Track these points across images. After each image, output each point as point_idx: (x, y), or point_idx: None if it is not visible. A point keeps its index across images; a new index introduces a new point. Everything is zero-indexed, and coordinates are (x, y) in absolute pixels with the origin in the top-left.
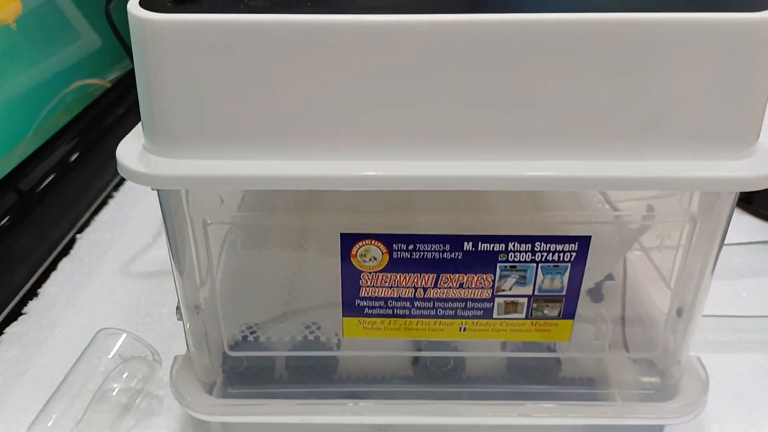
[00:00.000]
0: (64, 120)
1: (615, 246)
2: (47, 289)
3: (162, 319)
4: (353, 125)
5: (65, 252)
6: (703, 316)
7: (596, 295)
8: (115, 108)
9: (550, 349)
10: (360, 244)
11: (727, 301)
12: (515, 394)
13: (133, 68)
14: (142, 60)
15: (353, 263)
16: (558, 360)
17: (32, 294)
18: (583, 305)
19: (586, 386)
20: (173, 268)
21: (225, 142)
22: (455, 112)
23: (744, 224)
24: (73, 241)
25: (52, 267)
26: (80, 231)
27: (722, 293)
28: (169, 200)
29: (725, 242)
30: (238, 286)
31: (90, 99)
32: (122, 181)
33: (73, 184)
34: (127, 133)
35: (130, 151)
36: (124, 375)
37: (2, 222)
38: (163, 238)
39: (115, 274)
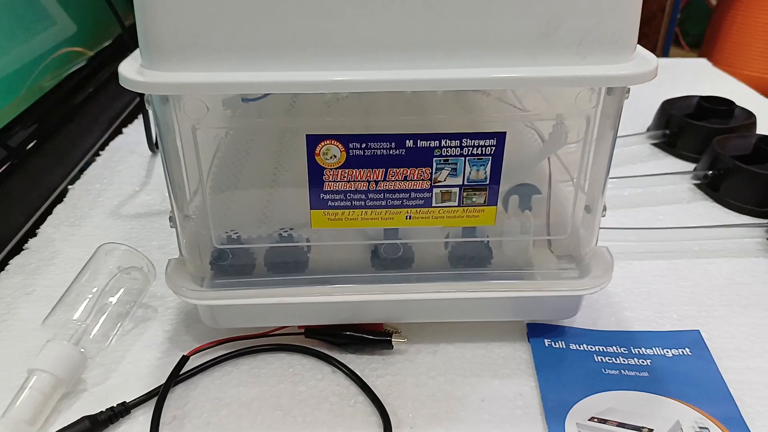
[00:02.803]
0: (52, 84)
1: (530, 149)
2: (45, 229)
3: (151, 249)
4: (306, 38)
5: (59, 200)
6: (626, 228)
7: (525, 204)
8: (97, 75)
9: (484, 242)
10: (322, 144)
11: (647, 223)
12: (455, 276)
13: (111, 42)
14: None
15: (317, 161)
16: (490, 249)
17: (31, 234)
18: (515, 212)
19: (514, 270)
20: (166, 178)
21: (203, 58)
22: (398, 31)
23: (667, 163)
24: (65, 191)
25: (48, 212)
26: (71, 183)
27: (643, 217)
28: (162, 110)
29: (647, 174)
30: (224, 196)
31: (73, 65)
32: (108, 141)
33: (62, 141)
34: (109, 99)
35: (129, 67)
36: (121, 290)
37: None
38: (149, 187)
39: (107, 216)
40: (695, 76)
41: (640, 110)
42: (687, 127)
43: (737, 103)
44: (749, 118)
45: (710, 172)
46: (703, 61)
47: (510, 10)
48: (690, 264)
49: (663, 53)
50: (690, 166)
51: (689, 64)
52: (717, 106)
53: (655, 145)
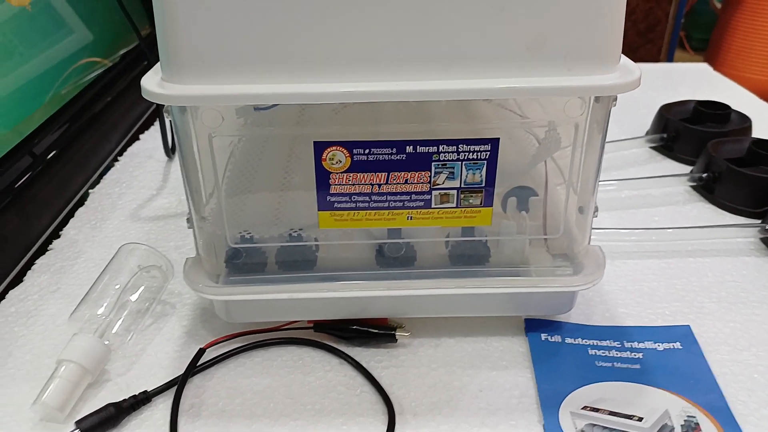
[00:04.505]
0: (72, 93)
1: (527, 154)
2: (68, 231)
3: (169, 250)
4: (309, 52)
5: (81, 203)
6: (622, 229)
7: (523, 206)
8: (115, 84)
9: (482, 241)
10: (329, 150)
11: (643, 224)
12: (455, 273)
13: (128, 52)
14: (160, 8)
15: (324, 166)
16: (488, 248)
17: (55, 235)
18: (513, 213)
19: (511, 267)
20: (184, 182)
21: (219, 72)
22: (399, 46)
23: (664, 166)
24: (86, 195)
25: (70, 215)
26: (92, 187)
27: (639, 218)
28: (181, 119)
29: (644, 177)
30: (238, 200)
31: (94, 74)
32: (126, 147)
33: (83, 148)
34: (127, 107)
35: (151, 81)
36: (141, 288)
37: (24, 177)
38: (166, 191)
39: (126, 219)
40: (696, 81)
41: (640, 115)
42: (684, 131)
43: (736, 107)
44: (745, 122)
45: (705, 174)
46: (704, 66)
47: (499, 29)
48: (683, 263)
49: (668, 58)
50: (687, 169)
51: (690, 68)
52: (713, 111)
53: (653, 148)
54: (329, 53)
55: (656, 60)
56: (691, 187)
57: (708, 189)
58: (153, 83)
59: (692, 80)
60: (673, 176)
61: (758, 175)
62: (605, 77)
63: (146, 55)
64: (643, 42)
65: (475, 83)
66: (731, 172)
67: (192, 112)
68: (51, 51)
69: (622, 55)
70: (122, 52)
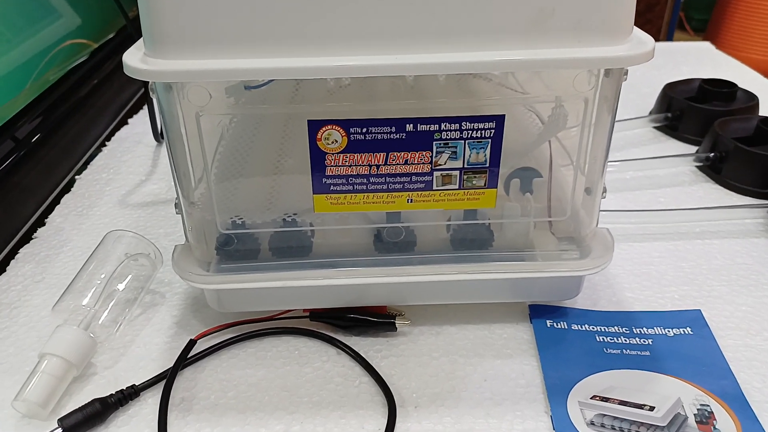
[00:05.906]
0: (57, 76)
1: (531, 133)
2: (53, 219)
3: (159, 237)
4: (302, 25)
5: (67, 190)
6: (627, 211)
7: (526, 188)
8: (102, 67)
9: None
10: (324, 129)
11: (648, 205)
12: (457, 258)
13: (115, 34)
14: None
15: (319, 146)
16: (491, 232)
17: (40, 223)
18: (517, 195)
19: (515, 251)
20: (171, 166)
21: (205, 46)
22: (397, 17)
23: (669, 146)
24: (72, 181)
25: (56, 202)
26: (78, 173)
27: (644, 199)
28: (166, 98)
29: (648, 157)
30: (229, 183)
31: (78, 57)
32: (113, 132)
33: (69, 132)
34: (115, 90)
35: (133, 56)
36: (129, 277)
37: (6, 162)
38: (155, 176)
39: (114, 205)
40: (698, 60)
41: (643, 94)
42: (688, 110)
43: (740, 85)
44: (752, 100)
45: (712, 154)
46: (706, 45)
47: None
48: (690, 245)
49: (667, 38)
50: (692, 149)
51: (693, 47)
52: (719, 89)
53: (657, 128)
54: (321, 25)
55: (655, 41)
56: (697, 167)
57: (714, 169)
58: (135, 59)
59: (695, 59)
60: (678, 156)
61: (767, 154)
62: (618, 48)
63: (134, 36)
64: (642, 22)
65: (479, 56)
66: (739, 151)
67: (177, 90)
68: (35, 34)
69: (634, 26)
70: (111, 35)
